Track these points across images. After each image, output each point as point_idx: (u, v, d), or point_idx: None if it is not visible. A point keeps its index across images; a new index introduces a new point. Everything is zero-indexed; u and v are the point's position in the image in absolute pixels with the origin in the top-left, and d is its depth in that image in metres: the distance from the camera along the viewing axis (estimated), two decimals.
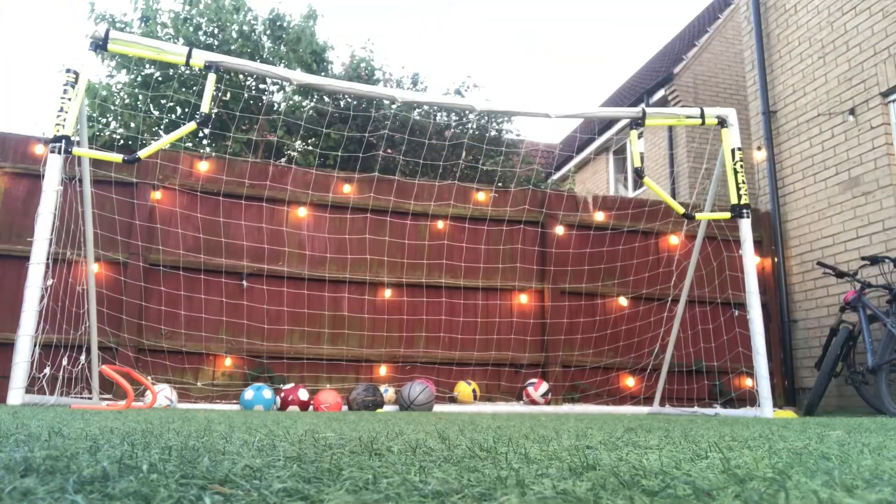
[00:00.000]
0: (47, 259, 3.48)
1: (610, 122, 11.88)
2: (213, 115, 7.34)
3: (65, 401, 3.88)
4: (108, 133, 8.00)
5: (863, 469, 0.77)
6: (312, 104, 8.54)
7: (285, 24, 8.89)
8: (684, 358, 5.93)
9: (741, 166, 4.59)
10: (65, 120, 3.63)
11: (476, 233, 5.91)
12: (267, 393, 4.53)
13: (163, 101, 8.07)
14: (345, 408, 4.72)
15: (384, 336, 5.53)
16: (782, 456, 0.95)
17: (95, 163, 4.79)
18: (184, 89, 8.03)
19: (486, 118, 9.13)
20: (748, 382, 5.99)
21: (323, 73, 8.97)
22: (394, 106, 8.22)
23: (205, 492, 0.59)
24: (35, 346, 3.41)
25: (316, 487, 0.62)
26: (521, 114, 4.99)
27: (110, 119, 8.20)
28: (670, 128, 10.61)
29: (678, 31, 15.48)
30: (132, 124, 7.84)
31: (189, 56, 3.97)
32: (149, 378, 4.71)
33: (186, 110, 8.03)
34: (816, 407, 5.17)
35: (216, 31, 8.54)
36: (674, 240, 6.30)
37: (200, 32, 8.42)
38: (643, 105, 9.27)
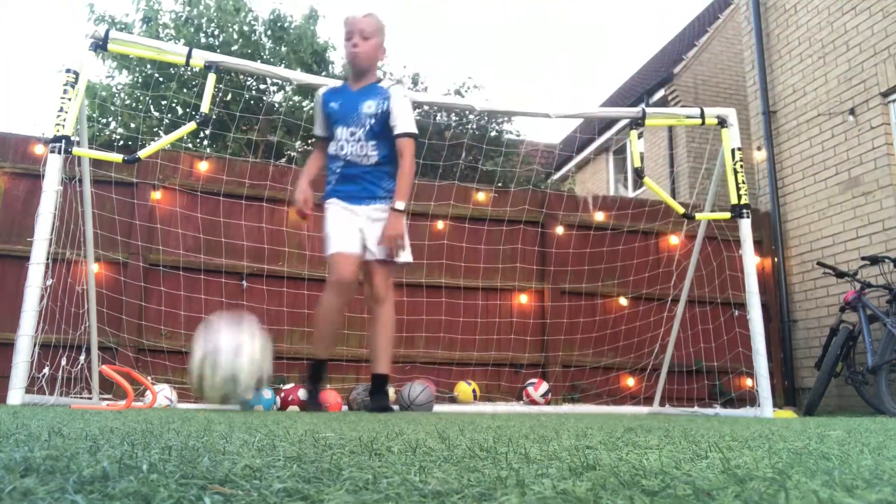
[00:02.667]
0: (47, 259, 3.48)
1: (610, 122, 11.88)
2: (214, 116, 7.34)
3: (65, 401, 3.88)
4: (108, 133, 8.00)
5: (863, 469, 0.77)
6: (313, 104, 8.56)
7: (286, 25, 8.89)
8: (684, 358, 5.93)
9: (741, 166, 4.59)
10: (65, 120, 3.62)
11: (476, 233, 5.91)
12: (267, 393, 4.52)
13: (163, 102, 8.08)
14: (345, 408, 4.72)
15: None
16: (782, 456, 0.95)
17: (95, 163, 4.78)
18: (184, 89, 8.03)
19: (486, 118, 9.13)
20: (748, 382, 5.98)
21: (324, 73, 8.97)
22: None
23: (205, 492, 0.59)
24: (35, 346, 3.41)
25: (316, 487, 0.62)
26: (521, 114, 4.99)
27: (110, 119, 8.20)
28: (670, 128, 10.61)
29: (678, 31, 15.48)
30: (132, 124, 7.84)
31: (189, 56, 3.97)
32: (149, 378, 4.71)
33: (187, 110, 8.03)
34: (816, 407, 5.18)
35: (217, 31, 8.54)
36: (674, 240, 6.30)
37: (201, 33, 8.43)
38: (643, 105, 9.26)
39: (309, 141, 8.39)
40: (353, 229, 3.42)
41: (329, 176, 3.57)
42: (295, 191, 3.55)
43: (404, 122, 3.44)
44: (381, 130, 3.46)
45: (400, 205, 3.38)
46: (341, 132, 3.48)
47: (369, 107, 3.46)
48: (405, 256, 3.46)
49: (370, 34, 3.49)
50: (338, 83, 3.68)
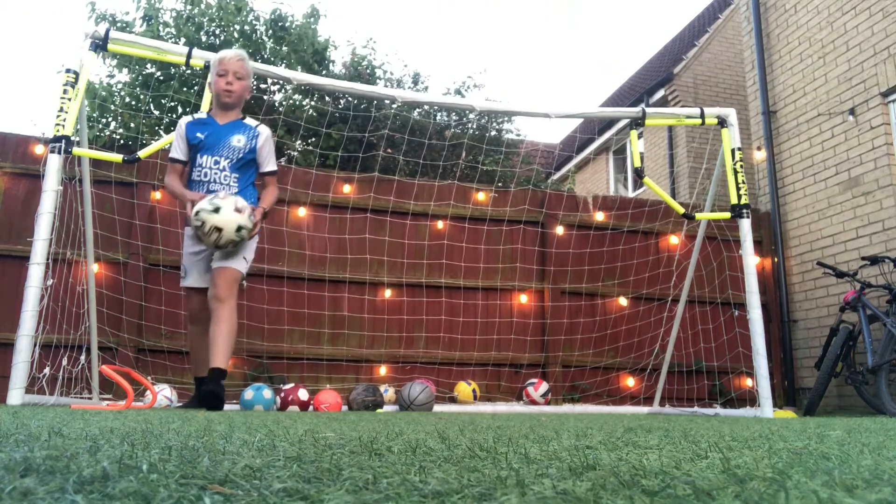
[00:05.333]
0: (47, 259, 3.48)
1: (610, 122, 11.88)
2: None
3: (65, 401, 3.88)
4: (108, 133, 8.00)
5: (863, 469, 0.77)
6: (313, 104, 8.55)
7: (287, 25, 8.88)
8: (684, 358, 5.93)
9: (741, 166, 4.59)
10: (65, 120, 3.62)
11: (476, 233, 5.91)
12: (267, 393, 4.53)
13: (163, 101, 8.07)
14: (345, 408, 4.72)
15: (384, 336, 5.53)
16: (782, 456, 0.95)
17: (95, 163, 4.79)
18: (185, 88, 8.03)
19: (487, 118, 9.13)
20: (748, 382, 5.99)
21: (324, 73, 8.97)
22: (394, 106, 8.22)
23: (205, 492, 0.59)
24: (35, 346, 3.41)
25: (316, 487, 0.62)
26: (521, 114, 4.99)
27: (110, 119, 8.19)
28: (670, 128, 10.61)
29: (678, 31, 15.48)
30: (132, 124, 7.84)
31: (189, 56, 3.97)
32: (149, 378, 4.71)
33: (187, 110, 8.03)
34: (816, 407, 5.18)
35: (218, 31, 8.54)
36: (674, 240, 6.30)
37: (202, 32, 8.42)
38: (643, 105, 9.26)
39: (308, 141, 8.40)
40: (201, 262, 3.77)
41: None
42: (185, 199, 3.62)
43: (271, 162, 3.87)
44: (244, 165, 3.76)
45: (265, 206, 3.74)
46: (206, 160, 3.70)
47: (238, 140, 3.73)
48: (241, 266, 3.74)
49: (243, 76, 3.77)
50: (202, 115, 3.84)
